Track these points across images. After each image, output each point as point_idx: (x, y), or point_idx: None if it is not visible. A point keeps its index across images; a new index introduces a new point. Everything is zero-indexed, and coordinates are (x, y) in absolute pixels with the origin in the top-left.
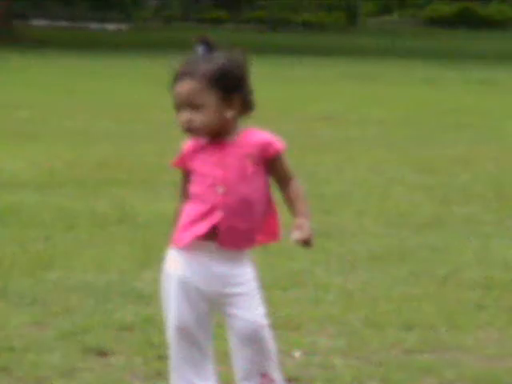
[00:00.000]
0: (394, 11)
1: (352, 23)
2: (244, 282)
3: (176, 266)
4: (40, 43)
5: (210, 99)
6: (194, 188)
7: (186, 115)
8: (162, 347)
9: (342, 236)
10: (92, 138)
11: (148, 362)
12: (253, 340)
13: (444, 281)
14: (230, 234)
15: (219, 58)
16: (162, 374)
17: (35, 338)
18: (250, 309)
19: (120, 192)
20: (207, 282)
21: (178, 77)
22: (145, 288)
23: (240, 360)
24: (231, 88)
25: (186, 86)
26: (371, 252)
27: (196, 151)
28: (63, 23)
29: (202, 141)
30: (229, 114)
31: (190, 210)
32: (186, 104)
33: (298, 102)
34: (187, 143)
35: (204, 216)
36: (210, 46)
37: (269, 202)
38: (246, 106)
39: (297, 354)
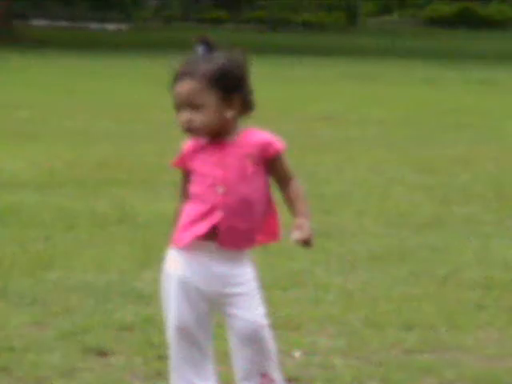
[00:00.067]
0: (394, 11)
1: (352, 23)
2: (244, 281)
3: (176, 265)
4: (40, 43)
5: (210, 99)
6: (193, 188)
7: (186, 115)
8: (162, 347)
9: (342, 236)
10: (92, 138)
11: (148, 362)
12: (253, 340)
13: (444, 281)
14: (230, 234)
15: (219, 58)
16: (162, 374)
17: (35, 338)
18: (250, 309)
19: (120, 192)
20: (207, 282)
21: (178, 77)
22: (145, 288)
23: (240, 360)
24: (231, 88)
25: (185, 86)
26: (371, 252)
27: (196, 151)
28: (63, 23)
29: (202, 141)
30: (229, 114)
31: (189, 209)
32: (186, 104)
33: (298, 102)
34: (187, 143)
35: (204, 216)
36: (210, 46)
37: (269, 202)
38: (246, 106)
39: (297, 354)
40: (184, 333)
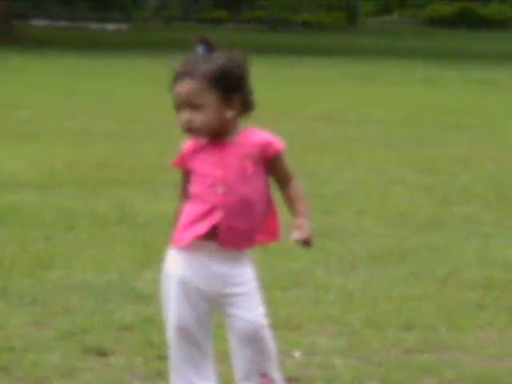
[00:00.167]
0: (394, 11)
1: (352, 23)
2: (244, 281)
3: (176, 265)
4: (40, 43)
5: (210, 99)
6: (193, 188)
7: (186, 115)
8: (162, 347)
9: (342, 236)
10: (92, 138)
11: (148, 362)
12: (253, 340)
13: (444, 281)
14: (230, 234)
15: (219, 58)
16: (162, 374)
17: (35, 337)
18: (250, 309)
19: (120, 192)
20: (207, 282)
21: (178, 77)
22: (145, 288)
23: (240, 360)
24: (231, 88)
25: (186, 86)
26: (371, 252)
27: (196, 151)
28: (63, 23)
29: (202, 141)
30: (229, 114)
31: (189, 209)
32: (186, 104)
33: (298, 102)
34: (187, 143)
35: (204, 216)
36: (210, 46)
37: (269, 202)
38: (246, 106)
39: (297, 354)
40: (184, 333)
